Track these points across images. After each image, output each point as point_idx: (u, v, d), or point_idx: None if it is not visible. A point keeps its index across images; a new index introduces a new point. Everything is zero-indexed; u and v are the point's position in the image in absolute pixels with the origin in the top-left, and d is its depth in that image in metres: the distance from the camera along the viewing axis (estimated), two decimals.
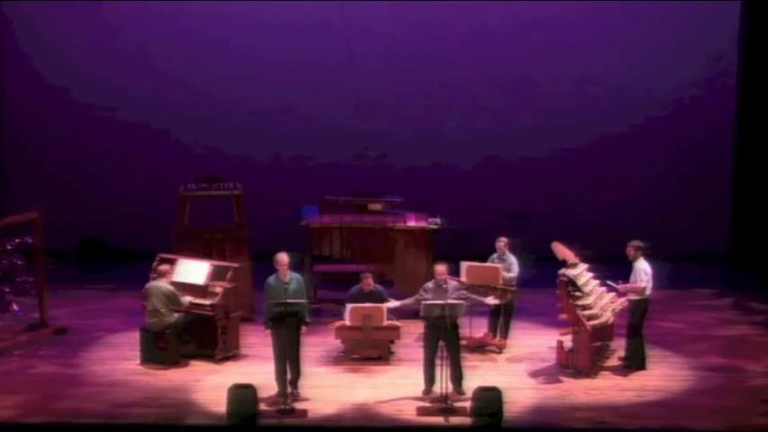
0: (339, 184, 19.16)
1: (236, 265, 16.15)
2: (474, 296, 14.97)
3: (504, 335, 16.28)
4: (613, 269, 15.53)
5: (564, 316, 15.27)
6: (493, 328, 16.27)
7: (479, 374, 14.88)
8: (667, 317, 17.36)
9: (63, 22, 20.95)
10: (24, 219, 16.67)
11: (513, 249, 16.26)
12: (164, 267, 15.63)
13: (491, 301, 15.30)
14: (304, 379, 14.42)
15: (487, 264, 16.20)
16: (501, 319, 16.18)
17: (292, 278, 14.47)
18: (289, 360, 14.25)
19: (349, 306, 15.51)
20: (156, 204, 19.43)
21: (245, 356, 15.80)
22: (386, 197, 18.33)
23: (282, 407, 13.84)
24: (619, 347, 15.68)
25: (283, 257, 14.49)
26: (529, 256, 16.33)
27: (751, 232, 20.85)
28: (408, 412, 13.86)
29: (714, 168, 21.04)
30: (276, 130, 20.91)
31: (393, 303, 15.19)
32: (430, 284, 14.71)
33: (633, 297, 15.24)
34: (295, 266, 14.80)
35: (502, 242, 16.27)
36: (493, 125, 20.94)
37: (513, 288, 16.08)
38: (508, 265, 16.13)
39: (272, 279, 14.44)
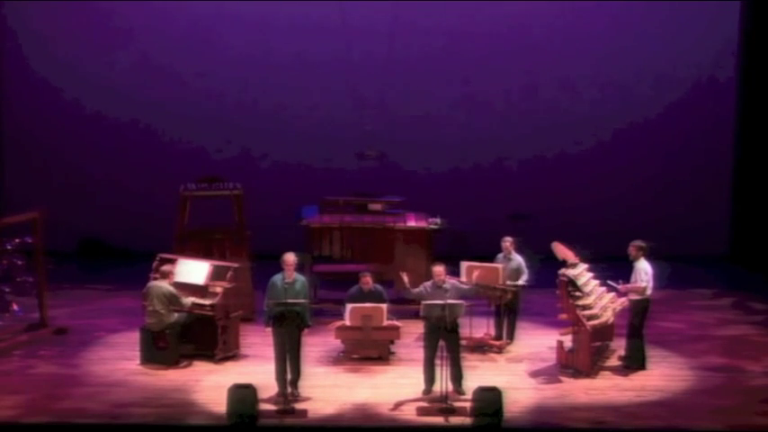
0: (339, 184, 19.17)
1: (236, 265, 16.14)
2: (467, 287, 14.95)
3: (511, 336, 16.28)
4: (613, 269, 15.53)
5: (564, 316, 15.27)
6: (499, 331, 16.27)
7: (479, 374, 14.87)
8: (667, 317, 17.36)
9: (63, 22, 20.97)
10: (24, 219, 16.66)
11: (519, 249, 16.27)
12: (167, 268, 15.61)
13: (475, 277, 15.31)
14: (304, 379, 14.41)
15: (487, 264, 16.19)
16: (506, 320, 16.19)
17: (297, 279, 14.46)
18: (289, 360, 14.25)
19: (349, 306, 15.51)
20: (156, 204, 19.43)
21: (245, 356, 15.79)
22: (386, 197, 18.32)
23: (282, 407, 13.84)
24: (619, 347, 15.68)
25: (290, 257, 14.47)
26: (535, 256, 16.33)
27: (751, 232, 20.87)
28: (408, 412, 13.86)
29: (714, 168, 21.07)
30: (276, 130, 20.93)
31: (406, 278, 15.03)
32: (428, 284, 14.70)
33: (634, 297, 15.24)
34: (297, 266, 14.78)
35: (507, 242, 16.25)
36: (493, 125, 20.96)
37: (514, 288, 16.08)
38: (516, 267, 16.13)
39: (276, 278, 14.44)
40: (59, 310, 17.37)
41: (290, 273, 14.44)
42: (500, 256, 16.29)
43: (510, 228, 17.04)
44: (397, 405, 14.03)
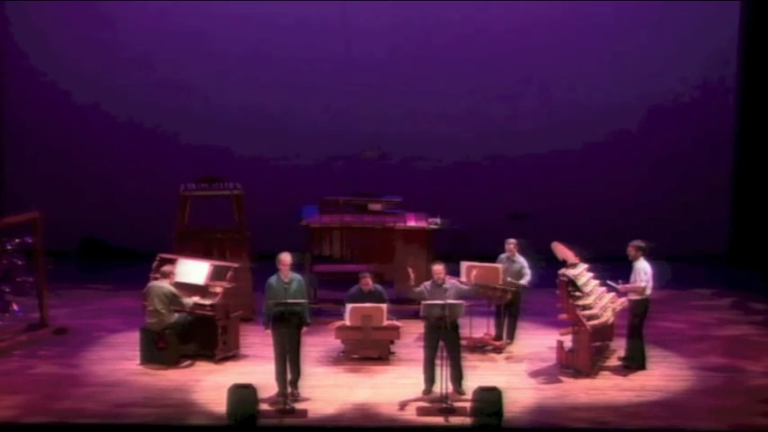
0: (339, 184, 19.16)
1: (236, 265, 16.16)
2: (467, 287, 14.96)
3: (511, 336, 16.28)
4: (613, 269, 15.53)
5: (564, 316, 15.27)
6: (499, 331, 16.27)
7: (479, 374, 14.88)
8: (667, 317, 17.36)
9: (63, 22, 20.94)
10: (24, 219, 16.67)
11: (522, 251, 16.25)
12: (167, 268, 15.61)
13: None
14: (304, 379, 14.42)
15: (487, 263, 16.18)
16: (506, 320, 16.19)
17: (293, 279, 14.49)
18: (289, 360, 14.26)
19: (349, 306, 15.51)
20: (156, 204, 19.41)
21: (245, 356, 15.80)
22: (386, 197, 18.31)
23: (282, 407, 13.84)
24: (619, 347, 15.68)
25: (286, 257, 14.50)
26: (538, 257, 16.33)
27: (751, 232, 20.85)
28: (408, 412, 13.87)
29: (714, 168, 21.04)
30: (276, 130, 20.90)
31: (412, 273, 15.07)
32: (428, 284, 14.70)
33: (633, 297, 15.25)
34: (295, 266, 14.80)
35: (511, 244, 16.23)
36: (493, 125, 20.94)
37: (514, 288, 16.07)
38: (519, 269, 16.12)
39: (273, 279, 14.47)
40: (59, 310, 17.36)
41: (286, 273, 14.47)
42: (503, 257, 16.26)
43: (512, 228, 17.03)
44: (398, 405, 14.03)
